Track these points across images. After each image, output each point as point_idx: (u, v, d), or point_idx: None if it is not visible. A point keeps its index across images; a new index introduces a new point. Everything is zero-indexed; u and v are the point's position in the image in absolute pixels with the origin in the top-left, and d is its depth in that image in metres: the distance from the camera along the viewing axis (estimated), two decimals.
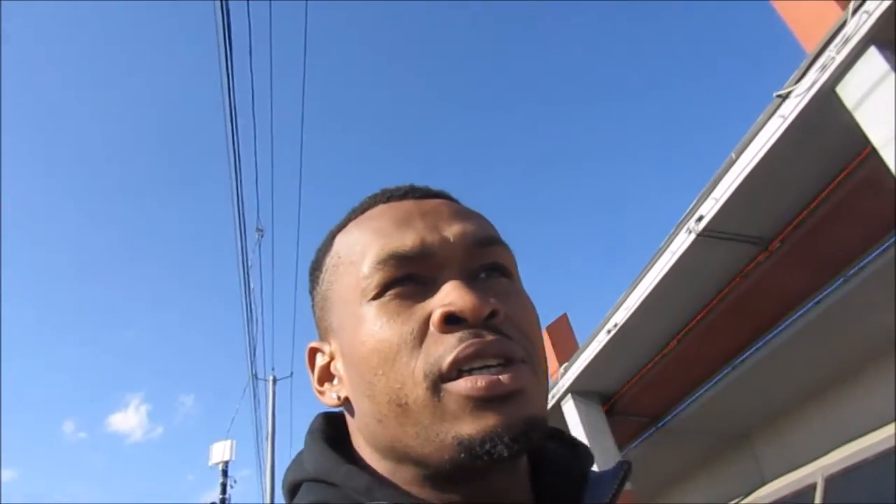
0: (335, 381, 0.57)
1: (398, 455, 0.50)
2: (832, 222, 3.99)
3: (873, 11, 2.97)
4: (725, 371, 5.28)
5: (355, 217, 0.58)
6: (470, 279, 0.51)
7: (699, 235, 4.15)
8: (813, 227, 4.04)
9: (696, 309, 4.80)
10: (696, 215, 4.14)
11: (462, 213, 0.56)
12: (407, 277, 0.51)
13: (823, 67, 3.22)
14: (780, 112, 3.49)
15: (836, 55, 3.15)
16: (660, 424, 6.12)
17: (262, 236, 12.01)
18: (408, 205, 0.56)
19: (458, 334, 0.48)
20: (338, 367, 0.56)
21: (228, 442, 13.11)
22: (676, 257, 4.33)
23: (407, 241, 0.52)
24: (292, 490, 0.54)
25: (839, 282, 4.40)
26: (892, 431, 4.60)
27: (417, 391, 0.47)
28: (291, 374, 14.05)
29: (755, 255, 4.33)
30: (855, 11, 3.04)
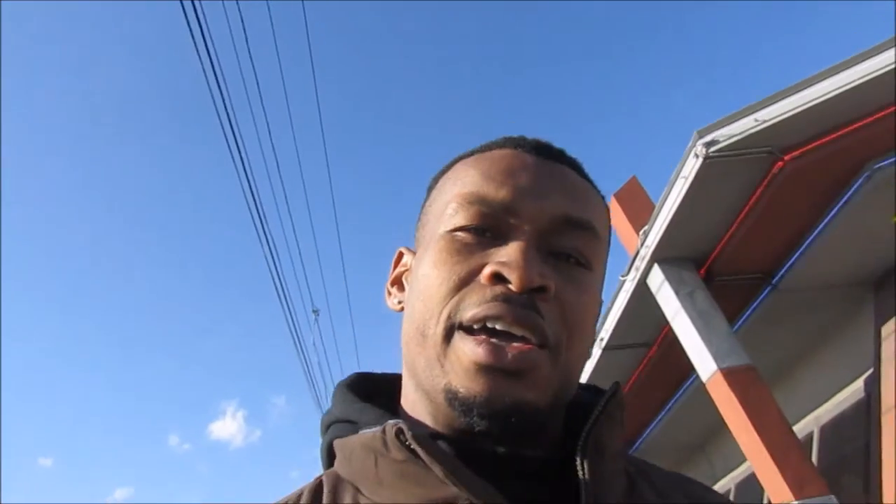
0: (402, 290, 0.61)
1: (416, 380, 0.53)
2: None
3: (651, 245, 5.01)
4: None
5: (480, 152, 0.58)
6: (541, 250, 0.51)
7: (604, 350, 6.24)
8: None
9: None
10: (599, 337, 6.23)
11: (574, 187, 0.55)
12: (483, 227, 0.52)
13: (637, 269, 5.27)
14: (624, 288, 5.55)
15: (639, 264, 5.20)
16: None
17: (318, 316, 13.63)
18: (528, 160, 0.55)
19: (496, 292, 0.49)
20: (408, 279, 0.60)
21: None
22: (594, 363, 6.43)
23: (501, 192, 0.52)
24: (326, 432, 0.58)
25: None
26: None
27: (437, 328, 0.50)
28: None
29: (645, 353, 6.40)
30: (642, 244, 5.08)
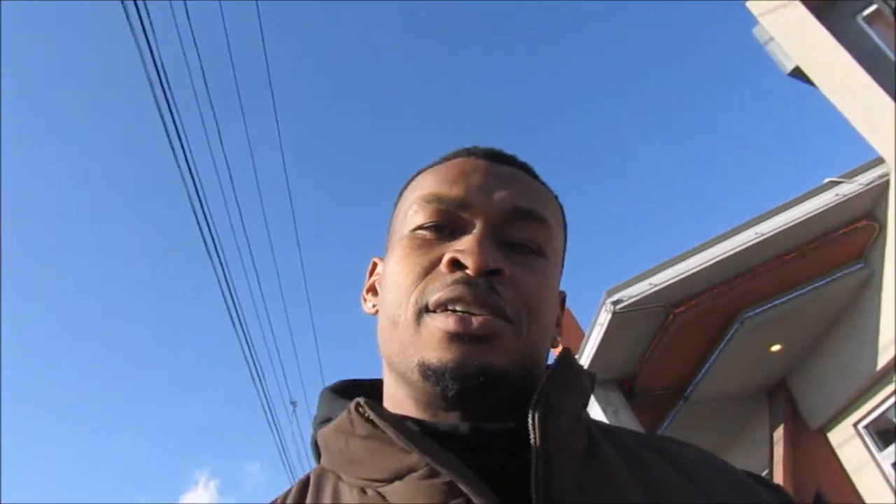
0: (377, 296, 0.66)
1: (392, 368, 0.57)
2: None
3: (587, 356, 6.03)
4: None
5: (439, 163, 0.64)
6: (494, 240, 0.56)
7: None
8: None
9: None
10: None
11: (522, 184, 0.61)
12: (441, 224, 0.57)
13: None
14: None
15: None
16: None
17: (296, 407, 13.33)
18: (480, 164, 0.61)
19: (456, 277, 0.53)
20: (381, 284, 0.64)
21: None
22: None
23: (454, 190, 0.58)
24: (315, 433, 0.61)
25: None
26: None
27: (407, 314, 0.54)
28: None
29: None
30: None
